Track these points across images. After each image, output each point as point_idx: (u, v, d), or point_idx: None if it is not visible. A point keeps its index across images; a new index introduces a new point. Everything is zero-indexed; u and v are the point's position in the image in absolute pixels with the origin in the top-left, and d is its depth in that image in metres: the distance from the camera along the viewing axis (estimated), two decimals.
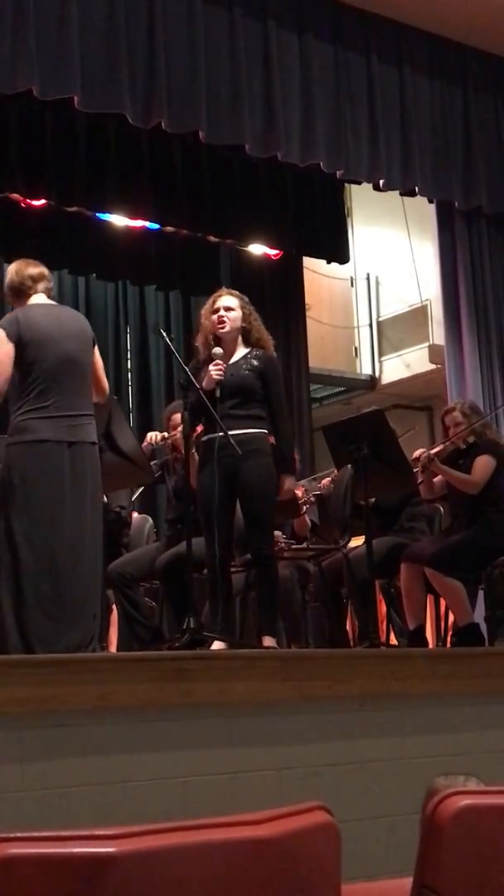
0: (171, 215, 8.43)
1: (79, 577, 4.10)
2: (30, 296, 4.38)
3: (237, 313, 4.85)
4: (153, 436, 5.71)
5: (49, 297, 4.45)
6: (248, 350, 4.84)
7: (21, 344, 4.18)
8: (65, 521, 4.10)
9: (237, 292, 5.02)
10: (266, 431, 4.77)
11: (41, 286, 4.42)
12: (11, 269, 4.48)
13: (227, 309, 4.84)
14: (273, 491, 4.78)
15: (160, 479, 5.95)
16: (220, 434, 4.54)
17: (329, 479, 6.32)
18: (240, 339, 4.86)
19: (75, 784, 3.31)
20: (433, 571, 5.13)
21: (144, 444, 5.56)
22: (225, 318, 4.81)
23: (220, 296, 4.92)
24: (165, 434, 5.73)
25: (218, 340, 4.82)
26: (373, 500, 5.31)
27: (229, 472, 4.64)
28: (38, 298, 4.39)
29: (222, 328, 4.81)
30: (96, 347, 4.49)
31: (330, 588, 5.88)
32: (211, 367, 4.66)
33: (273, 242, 9.08)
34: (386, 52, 7.50)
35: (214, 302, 4.90)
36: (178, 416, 5.27)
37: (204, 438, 4.74)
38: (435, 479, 5.50)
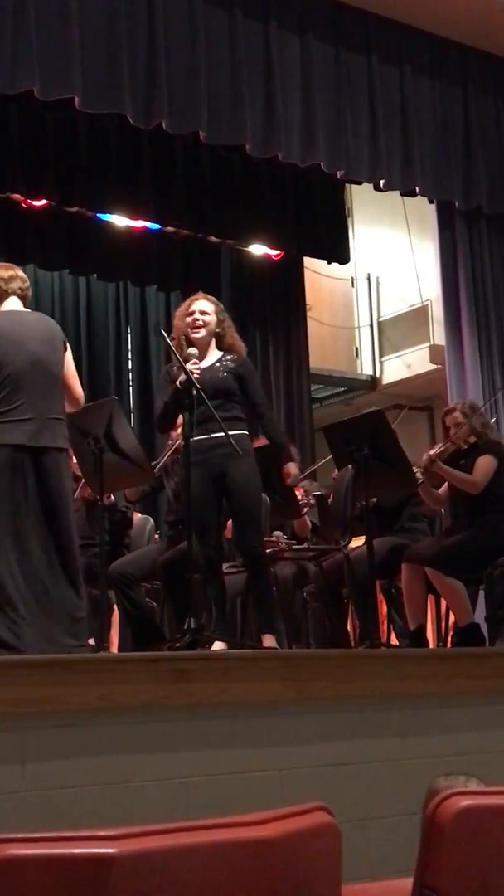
0: (172, 216, 8.43)
1: (29, 586, 4.05)
2: (3, 299, 4.37)
3: (212, 318, 4.86)
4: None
5: (24, 297, 4.44)
6: (220, 354, 4.85)
7: None
8: (17, 529, 4.08)
9: (213, 297, 5.03)
10: (247, 433, 4.78)
11: (14, 286, 4.40)
12: None
13: (203, 313, 4.86)
14: (261, 490, 4.79)
15: (160, 483, 5.94)
16: (204, 436, 4.57)
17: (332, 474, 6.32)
18: (213, 343, 4.88)
19: (76, 784, 3.31)
20: (434, 571, 5.13)
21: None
22: (200, 322, 4.83)
23: (195, 299, 4.93)
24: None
25: (191, 343, 4.83)
26: (374, 500, 5.32)
27: (217, 473, 4.65)
28: (11, 302, 4.39)
29: (197, 332, 4.82)
30: (69, 352, 4.46)
31: (331, 588, 5.88)
32: (188, 365, 4.67)
33: (273, 243, 9.08)
34: (386, 52, 7.50)
35: (190, 305, 4.91)
36: (179, 418, 5.26)
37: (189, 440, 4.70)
38: (440, 491, 5.51)
